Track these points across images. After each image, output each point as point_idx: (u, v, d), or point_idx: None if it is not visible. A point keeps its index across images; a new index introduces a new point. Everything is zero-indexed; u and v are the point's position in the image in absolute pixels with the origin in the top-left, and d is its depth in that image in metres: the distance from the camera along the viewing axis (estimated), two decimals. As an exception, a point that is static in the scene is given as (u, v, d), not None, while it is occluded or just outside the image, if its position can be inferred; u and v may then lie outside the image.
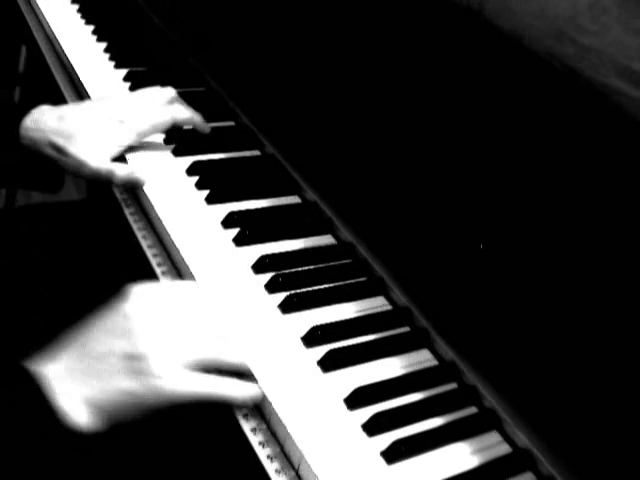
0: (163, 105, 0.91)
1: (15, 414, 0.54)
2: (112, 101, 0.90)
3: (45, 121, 0.84)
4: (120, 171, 0.84)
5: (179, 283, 0.71)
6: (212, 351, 0.62)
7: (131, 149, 0.89)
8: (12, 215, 0.99)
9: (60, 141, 0.82)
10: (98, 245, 0.96)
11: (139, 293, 0.63)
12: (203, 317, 0.64)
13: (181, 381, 0.59)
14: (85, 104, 0.90)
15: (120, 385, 0.57)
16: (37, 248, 0.91)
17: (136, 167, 0.86)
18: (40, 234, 0.93)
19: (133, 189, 0.87)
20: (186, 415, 0.65)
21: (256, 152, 0.96)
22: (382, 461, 0.60)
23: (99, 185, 0.85)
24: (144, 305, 0.62)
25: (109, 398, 0.57)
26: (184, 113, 0.91)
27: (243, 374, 0.63)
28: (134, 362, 0.58)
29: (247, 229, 0.79)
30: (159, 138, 0.93)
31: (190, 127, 0.95)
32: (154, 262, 0.78)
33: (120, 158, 0.87)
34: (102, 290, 0.64)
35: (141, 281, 0.65)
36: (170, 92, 0.93)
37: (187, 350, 0.60)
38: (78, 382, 0.57)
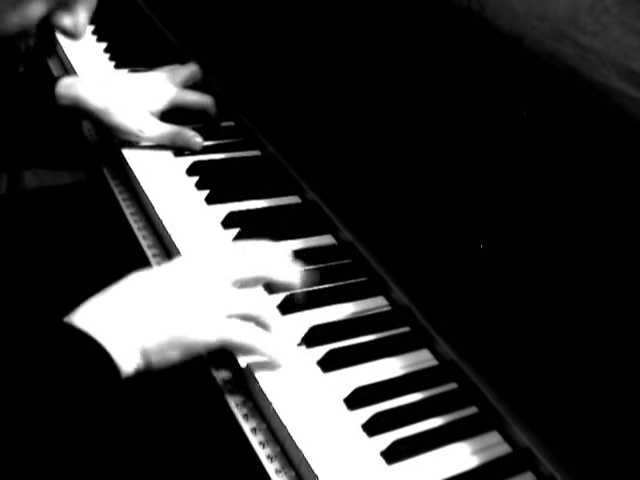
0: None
1: (78, 372, 0.56)
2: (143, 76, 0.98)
3: (86, 79, 0.92)
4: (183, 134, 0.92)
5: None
6: (252, 305, 0.65)
7: (131, 149, 0.89)
8: (10, 200, 1.00)
9: (109, 93, 0.89)
10: (95, 241, 0.97)
11: (187, 258, 0.69)
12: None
13: (219, 326, 0.63)
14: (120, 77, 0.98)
15: (173, 333, 0.61)
16: (32, 234, 0.93)
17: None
18: (36, 219, 0.95)
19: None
20: (187, 414, 0.65)
21: (256, 152, 0.96)
22: (382, 461, 0.60)
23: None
24: (192, 265, 0.66)
25: (159, 344, 0.60)
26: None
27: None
28: (186, 311, 0.62)
29: (247, 229, 0.79)
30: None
31: (190, 127, 0.95)
32: (154, 262, 0.78)
33: (118, 156, 0.88)
34: (97, 281, 0.65)
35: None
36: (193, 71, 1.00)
37: (231, 302, 0.64)
38: (132, 332, 0.59)
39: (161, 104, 0.93)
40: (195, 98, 0.96)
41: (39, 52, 0.93)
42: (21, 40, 0.63)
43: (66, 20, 0.62)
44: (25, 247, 0.93)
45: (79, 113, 0.89)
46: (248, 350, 0.64)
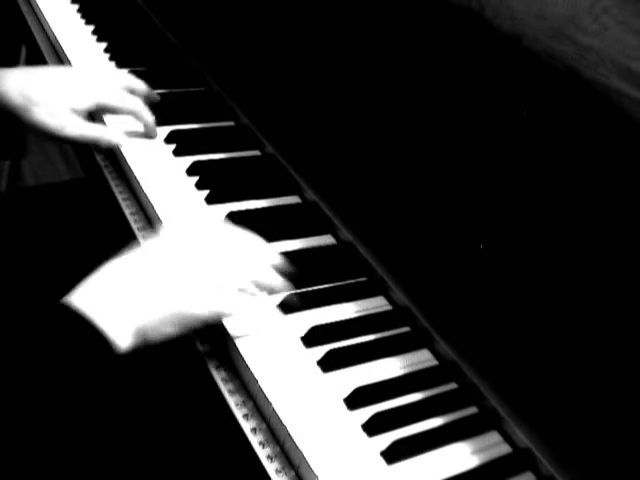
0: (126, 91, 0.92)
1: (72, 352, 0.57)
2: (78, 70, 0.94)
3: (12, 73, 0.86)
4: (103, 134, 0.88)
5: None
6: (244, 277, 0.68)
7: (131, 148, 0.89)
8: (9, 198, 1.00)
9: (30, 88, 0.85)
10: (95, 241, 0.97)
11: (175, 234, 0.68)
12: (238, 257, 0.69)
13: (214, 300, 0.64)
14: (52, 67, 0.93)
15: (167, 309, 0.62)
16: (31, 233, 0.92)
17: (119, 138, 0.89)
18: (36, 218, 0.94)
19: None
20: (187, 414, 0.65)
21: (256, 152, 0.96)
22: (382, 461, 0.60)
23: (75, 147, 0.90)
24: (182, 242, 0.67)
25: (154, 320, 0.61)
26: (146, 114, 0.91)
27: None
28: (177, 287, 0.63)
29: (247, 229, 0.79)
30: (159, 138, 0.93)
31: (190, 127, 0.95)
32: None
33: (117, 156, 0.87)
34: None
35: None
36: (135, 82, 0.94)
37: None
38: (126, 310, 0.60)
39: (87, 103, 0.88)
40: (125, 104, 0.90)
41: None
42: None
43: None
44: (23, 245, 0.93)
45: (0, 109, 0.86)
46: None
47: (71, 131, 0.86)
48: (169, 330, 0.62)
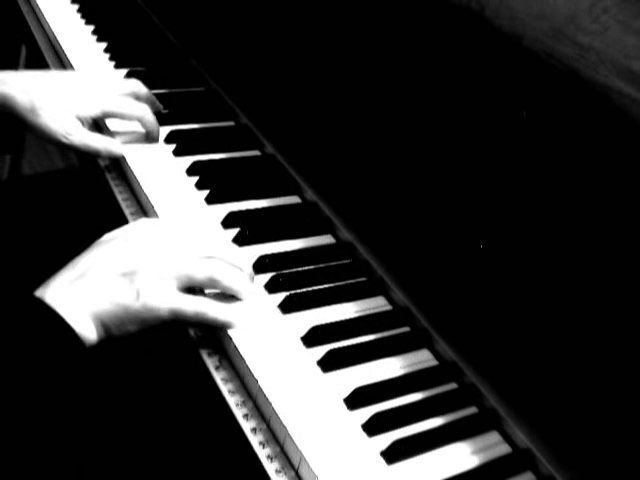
0: (132, 98, 0.92)
1: (33, 339, 0.58)
2: (85, 73, 0.94)
3: (19, 76, 0.88)
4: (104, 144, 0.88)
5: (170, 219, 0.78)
6: (203, 270, 0.67)
7: (132, 148, 0.89)
8: (7, 187, 1.00)
9: (36, 92, 0.86)
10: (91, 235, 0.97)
11: (135, 223, 0.71)
12: (194, 242, 0.69)
13: (170, 298, 0.65)
14: (59, 72, 0.94)
15: (117, 299, 0.63)
16: (30, 221, 0.93)
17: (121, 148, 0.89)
18: (34, 205, 0.95)
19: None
20: (187, 414, 0.66)
21: (256, 152, 0.96)
22: (382, 461, 0.60)
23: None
24: (139, 229, 0.69)
25: (108, 310, 0.62)
26: (150, 119, 0.91)
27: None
28: (129, 278, 0.64)
29: (247, 229, 0.79)
30: (159, 138, 0.93)
31: (190, 127, 0.95)
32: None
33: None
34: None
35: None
36: (140, 87, 0.94)
37: (178, 269, 0.66)
38: (81, 298, 0.62)
39: (92, 110, 0.88)
40: (131, 111, 0.90)
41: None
42: None
43: None
44: (22, 234, 0.94)
45: (6, 111, 0.86)
46: (202, 319, 0.66)
47: (74, 139, 0.86)
48: (130, 328, 0.64)
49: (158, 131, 0.92)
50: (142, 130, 0.92)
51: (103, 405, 0.74)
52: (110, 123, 0.93)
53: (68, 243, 0.94)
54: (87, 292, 0.62)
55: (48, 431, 0.57)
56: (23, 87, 0.86)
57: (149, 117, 0.91)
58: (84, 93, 0.89)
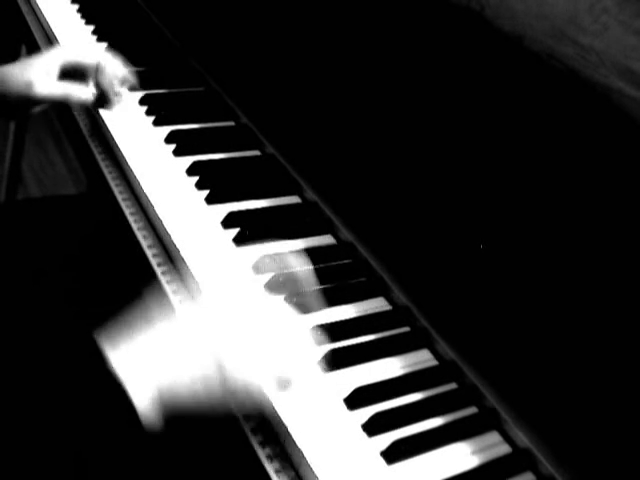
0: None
1: None
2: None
3: None
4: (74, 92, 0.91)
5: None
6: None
7: (131, 148, 0.89)
8: (12, 209, 1.00)
9: (4, 73, 0.89)
10: (97, 241, 0.97)
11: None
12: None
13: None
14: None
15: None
16: (37, 242, 0.92)
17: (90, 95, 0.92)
18: (40, 228, 0.94)
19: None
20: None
21: (256, 152, 0.96)
22: (382, 461, 0.60)
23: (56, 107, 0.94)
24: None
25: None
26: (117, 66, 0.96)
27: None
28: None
29: (247, 229, 0.79)
30: (159, 138, 0.93)
31: (190, 127, 0.95)
32: (154, 262, 0.78)
33: (117, 156, 0.87)
34: (101, 285, 0.65)
35: (141, 284, 0.65)
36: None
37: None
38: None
39: (57, 61, 0.91)
40: (90, 57, 0.93)
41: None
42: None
43: None
44: (27, 249, 0.93)
45: None
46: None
47: (40, 89, 0.88)
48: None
49: (129, 75, 0.97)
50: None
51: None
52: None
53: (68, 243, 0.94)
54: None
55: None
56: None
57: (109, 60, 0.95)
58: (47, 53, 0.92)
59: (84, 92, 0.91)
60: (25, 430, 0.54)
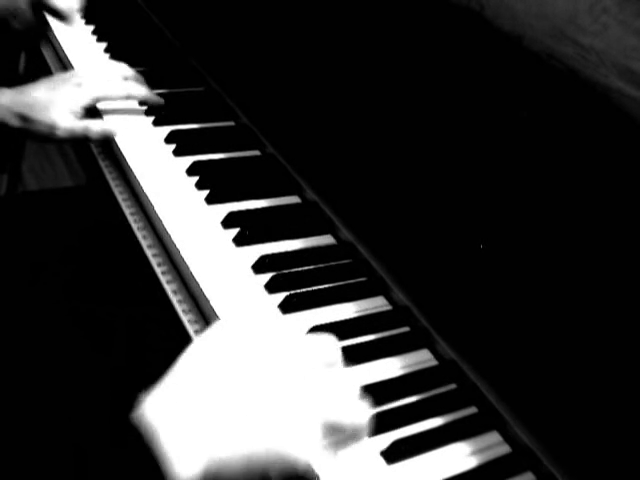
0: (119, 80, 0.96)
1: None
2: (70, 71, 0.98)
3: (3, 93, 0.89)
4: (95, 126, 0.90)
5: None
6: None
7: (131, 148, 0.89)
8: (11, 202, 1.00)
9: (24, 110, 0.87)
10: (97, 233, 0.97)
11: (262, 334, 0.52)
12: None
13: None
14: (44, 78, 0.95)
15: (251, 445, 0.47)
16: (36, 235, 0.93)
17: (113, 127, 0.92)
18: (39, 221, 0.95)
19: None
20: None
21: (256, 152, 0.96)
22: (382, 461, 0.60)
23: (76, 143, 0.93)
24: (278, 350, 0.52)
25: (235, 455, 0.47)
26: (139, 91, 0.96)
27: None
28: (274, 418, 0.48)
29: (247, 229, 0.79)
30: (159, 138, 0.93)
31: (190, 127, 0.95)
32: (154, 262, 0.78)
33: (117, 156, 0.87)
34: (101, 278, 0.64)
35: (141, 283, 0.65)
36: (126, 69, 0.98)
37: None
38: (200, 435, 0.46)
39: (82, 101, 0.91)
40: (117, 90, 0.94)
41: (30, 36, 0.93)
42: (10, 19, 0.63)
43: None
44: (25, 247, 0.93)
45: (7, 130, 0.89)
46: None
47: (62, 134, 0.89)
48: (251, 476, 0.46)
49: (154, 96, 0.97)
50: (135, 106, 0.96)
51: None
52: (101, 106, 0.95)
53: (66, 242, 0.94)
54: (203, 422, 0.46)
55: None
56: (7, 105, 0.87)
57: (136, 90, 0.95)
58: (69, 89, 0.91)
59: (104, 124, 0.91)
60: (23, 424, 0.54)
